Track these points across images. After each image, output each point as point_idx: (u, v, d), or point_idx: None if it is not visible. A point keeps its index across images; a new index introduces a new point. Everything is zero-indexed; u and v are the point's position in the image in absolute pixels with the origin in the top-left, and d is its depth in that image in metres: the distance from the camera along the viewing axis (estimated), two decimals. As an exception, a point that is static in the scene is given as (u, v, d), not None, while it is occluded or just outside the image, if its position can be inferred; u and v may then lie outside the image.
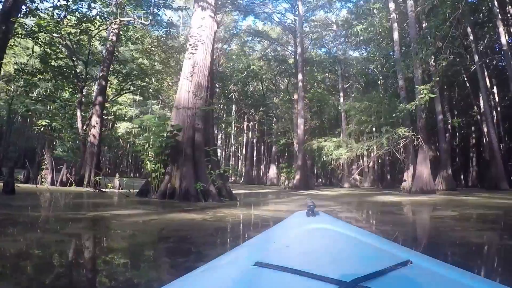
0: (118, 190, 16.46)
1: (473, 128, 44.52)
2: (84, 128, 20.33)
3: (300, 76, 31.82)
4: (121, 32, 20.01)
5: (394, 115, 22.44)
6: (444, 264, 1.04)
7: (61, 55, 21.08)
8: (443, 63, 20.38)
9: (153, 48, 18.97)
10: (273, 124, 47.38)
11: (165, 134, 13.86)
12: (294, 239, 1.24)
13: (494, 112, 34.40)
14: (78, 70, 21.98)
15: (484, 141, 37.08)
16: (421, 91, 19.17)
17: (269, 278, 0.86)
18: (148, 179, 13.88)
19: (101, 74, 20.60)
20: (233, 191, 14.68)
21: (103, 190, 15.75)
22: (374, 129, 29.67)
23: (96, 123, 19.30)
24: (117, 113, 54.85)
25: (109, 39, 20.48)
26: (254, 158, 57.48)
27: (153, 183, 13.25)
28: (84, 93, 23.62)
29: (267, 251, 1.12)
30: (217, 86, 43.66)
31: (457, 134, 45.97)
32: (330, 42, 47.46)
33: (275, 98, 47.55)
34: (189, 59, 14.36)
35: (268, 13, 40.47)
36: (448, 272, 0.94)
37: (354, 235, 1.25)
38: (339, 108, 39.65)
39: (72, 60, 20.90)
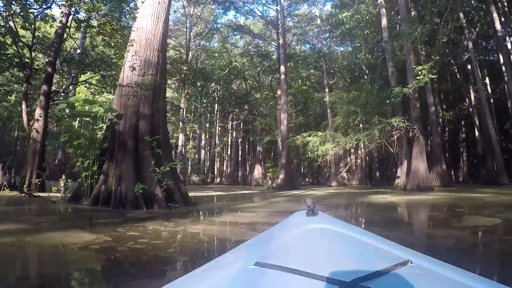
0: (62, 194, 12.97)
1: (462, 122, 41.52)
2: (30, 123, 16.61)
3: (282, 69, 28.31)
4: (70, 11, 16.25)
5: (388, 101, 18.89)
6: (444, 264, 0.97)
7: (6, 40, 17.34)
8: (443, 39, 16.95)
9: (101, 26, 15.15)
10: (256, 123, 43.61)
11: (102, 125, 10.45)
12: (294, 239, 1.17)
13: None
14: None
15: (476, 134, 34.03)
16: (419, 72, 15.65)
17: (269, 278, 0.81)
18: (79, 180, 10.31)
19: (47, 60, 16.90)
20: (210, 193, 11.33)
21: (35, 194, 12.15)
22: (361, 125, 26.09)
23: (40, 116, 15.53)
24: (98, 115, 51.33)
25: (59, 20, 16.82)
26: (239, 159, 53.87)
27: (84, 185, 9.73)
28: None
29: (267, 251, 1.08)
30: (198, 84, 40.07)
31: (446, 128, 42.73)
32: (314, 38, 44.07)
33: (258, 93, 43.99)
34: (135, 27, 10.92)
35: (249, 6, 36.95)
36: (448, 272, 0.89)
37: (354, 235, 1.18)
38: (325, 99, 36.12)
39: (16, 45, 17.20)
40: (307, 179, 54.01)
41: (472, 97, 33.47)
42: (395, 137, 19.62)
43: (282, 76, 28.11)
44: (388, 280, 0.77)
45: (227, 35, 41.53)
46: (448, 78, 34.04)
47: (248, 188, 31.51)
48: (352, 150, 38.34)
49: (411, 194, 17.09)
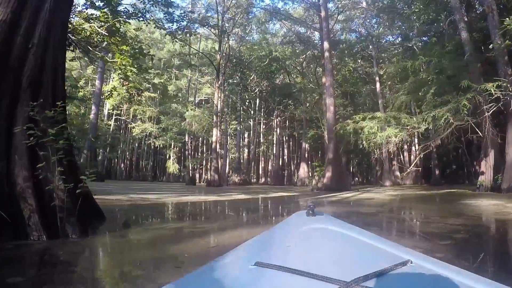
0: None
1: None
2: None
3: (326, 45, 21.77)
4: None
5: (491, 45, 11.67)
6: (444, 264, 0.90)
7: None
8: None
9: None
10: (297, 111, 37.13)
11: None
12: (294, 239, 1.08)
13: None
14: None
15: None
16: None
17: (269, 278, 0.77)
18: None
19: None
20: (222, 198, 6.93)
21: None
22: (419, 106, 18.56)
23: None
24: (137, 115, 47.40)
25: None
26: (285, 157, 47.41)
27: None
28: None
29: (267, 251, 1.00)
30: (238, 76, 34.06)
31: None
32: (360, 25, 36.91)
33: (299, 77, 37.49)
34: None
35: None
36: (448, 272, 0.82)
37: (354, 235, 1.09)
38: (378, 75, 28.93)
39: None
40: (356, 178, 46.94)
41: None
42: (488, 113, 12.46)
43: (326, 54, 21.53)
44: (388, 280, 0.72)
45: (264, 20, 35.13)
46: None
47: (291, 189, 24.98)
48: (406, 146, 31.12)
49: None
